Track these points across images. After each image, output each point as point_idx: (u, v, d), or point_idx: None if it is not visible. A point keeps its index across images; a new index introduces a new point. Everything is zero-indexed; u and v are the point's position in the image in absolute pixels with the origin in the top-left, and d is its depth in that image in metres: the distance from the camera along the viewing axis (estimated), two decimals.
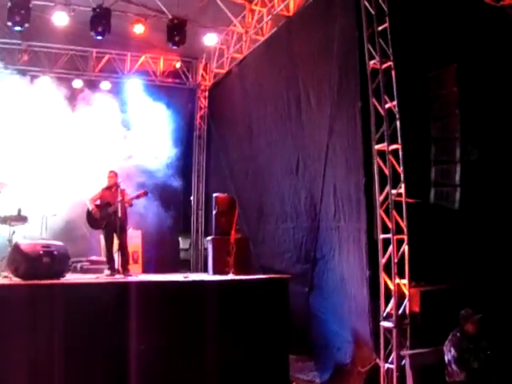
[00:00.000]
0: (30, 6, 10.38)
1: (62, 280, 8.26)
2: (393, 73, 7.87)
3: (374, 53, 7.98)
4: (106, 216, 9.70)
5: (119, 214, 9.64)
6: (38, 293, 7.42)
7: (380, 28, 7.92)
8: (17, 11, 10.25)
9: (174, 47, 11.75)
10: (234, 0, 11.85)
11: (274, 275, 9.21)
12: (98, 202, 9.99)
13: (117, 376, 7.44)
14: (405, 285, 7.63)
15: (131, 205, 10.02)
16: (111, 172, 10.20)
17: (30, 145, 13.15)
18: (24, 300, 7.25)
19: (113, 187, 9.98)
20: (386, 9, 7.90)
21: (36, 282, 7.68)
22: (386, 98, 7.83)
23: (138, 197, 10.02)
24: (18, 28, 10.61)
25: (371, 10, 7.98)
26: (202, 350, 7.95)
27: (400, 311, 7.62)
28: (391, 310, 7.66)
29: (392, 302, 7.67)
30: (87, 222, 10.18)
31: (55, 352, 7.10)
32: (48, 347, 7.11)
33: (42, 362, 7.08)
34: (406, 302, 7.66)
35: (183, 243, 15.19)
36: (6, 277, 8.32)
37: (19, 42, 13.36)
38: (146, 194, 10.08)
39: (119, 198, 9.61)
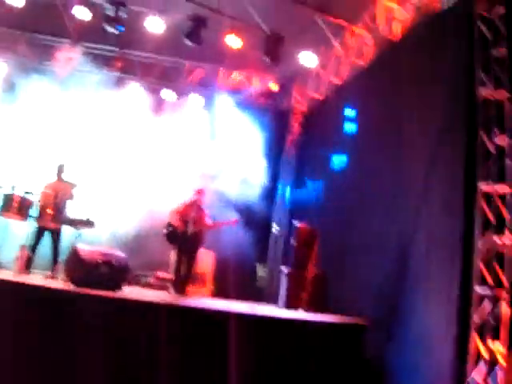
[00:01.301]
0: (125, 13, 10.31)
1: (117, 293, 7.85)
2: (507, 105, 6.93)
3: (487, 81, 7.08)
4: (188, 234, 9.40)
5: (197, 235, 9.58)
6: (86, 302, 6.93)
7: (496, 53, 7.02)
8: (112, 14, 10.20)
9: (269, 62, 11.20)
10: (335, 21, 11.17)
11: (348, 320, 8.30)
12: (178, 217, 9.67)
13: None
14: (501, 353, 6.51)
15: (217, 229, 10.00)
16: (199, 190, 9.97)
17: (111, 150, 12.98)
18: (71, 307, 6.81)
19: (197, 206, 9.75)
20: (503, 32, 7.01)
21: (88, 290, 7.28)
22: (496, 131, 6.91)
23: (227, 224, 9.79)
24: (111, 29, 10.41)
25: (487, 34, 7.13)
26: None
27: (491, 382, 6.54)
28: (483, 379, 6.57)
29: (482, 368, 6.61)
30: (165, 235, 9.84)
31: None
32: (91, 359, 6.58)
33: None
34: (498, 371, 6.55)
35: (261, 271, 14.48)
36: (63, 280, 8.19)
37: (115, 48, 13.32)
38: (236, 222, 9.74)
39: (193, 215, 9.40)
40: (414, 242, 8.21)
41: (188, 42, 10.52)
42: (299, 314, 8.68)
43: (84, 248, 8.12)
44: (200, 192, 9.96)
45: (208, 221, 9.83)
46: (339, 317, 8.55)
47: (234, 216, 11.83)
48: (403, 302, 8.28)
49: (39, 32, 12.85)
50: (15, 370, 6.39)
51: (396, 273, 8.60)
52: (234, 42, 11.23)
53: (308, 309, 9.01)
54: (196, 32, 10.35)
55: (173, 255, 11.54)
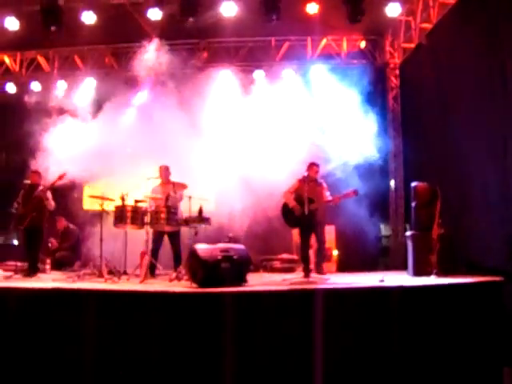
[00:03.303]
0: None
1: (244, 287, 7.77)
2: None
3: None
4: (307, 212, 8.93)
5: (318, 211, 9.20)
6: (215, 302, 6.94)
7: None
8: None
9: (354, 23, 10.77)
10: None
11: (483, 278, 7.82)
12: (293, 196, 9.35)
13: None
14: None
15: (336, 203, 9.35)
16: (314, 165, 9.58)
17: (215, 140, 12.99)
18: (200, 309, 6.85)
19: (313, 181, 9.40)
20: None
21: (214, 289, 7.23)
22: None
23: (346, 196, 9.24)
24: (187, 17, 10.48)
25: None
26: (397, 366, 6.86)
27: None
28: None
29: None
30: (283, 216, 9.60)
31: (232, 367, 6.57)
32: (225, 359, 6.61)
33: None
34: None
35: (385, 230, 14.23)
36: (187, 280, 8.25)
37: (197, 40, 13.41)
38: (355, 193, 9.17)
39: (310, 191, 9.01)
40: None
41: (267, 19, 10.24)
42: (432, 280, 8.25)
43: (202, 247, 8.07)
44: (313, 166, 9.59)
45: (327, 195, 9.42)
46: (472, 277, 8.05)
47: (351, 184, 11.54)
48: None
49: (121, 41, 13.13)
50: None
51: None
52: (314, 8, 10.86)
53: (438, 272, 8.54)
54: (273, 7, 10.03)
55: (295, 235, 11.43)
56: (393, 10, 11.49)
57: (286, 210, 9.48)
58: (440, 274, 8.55)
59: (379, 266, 12.52)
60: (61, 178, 10.01)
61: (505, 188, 8.56)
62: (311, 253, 9.65)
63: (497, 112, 8.83)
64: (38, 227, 10.16)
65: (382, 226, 14.24)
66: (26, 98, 13.57)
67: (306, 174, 9.37)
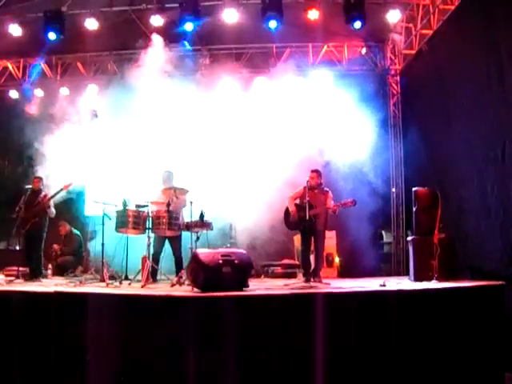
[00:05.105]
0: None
1: (245, 291, 7.73)
2: None
3: None
4: (308, 217, 9.04)
5: (321, 218, 9.34)
6: (216, 305, 6.93)
7: None
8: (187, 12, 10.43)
9: (355, 29, 10.86)
10: None
11: (484, 282, 7.83)
12: (297, 202, 9.54)
13: None
14: None
15: (335, 212, 9.40)
16: (314, 172, 9.68)
17: (216, 148, 13.00)
18: (201, 313, 6.83)
19: (316, 188, 9.53)
20: None
21: (215, 293, 7.18)
22: None
23: (344, 205, 9.30)
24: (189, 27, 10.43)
25: None
26: (398, 370, 6.87)
27: None
28: None
29: None
30: (284, 221, 9.83)
31: (234, 371, 6.56)
32: (226, 363, 6.60)
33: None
34: None
35: (387, 237, 14.14)
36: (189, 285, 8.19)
37: (199, 47, 13.52)
38: (354, 203, 9.26)
39: (313, 198, 9.26)
40: None
41: (268, 25, 10.32)
42: (433, 285, 8.26)
43: (204, 251, 8.05)
44: (315, 174, 9.65)
45: (330, 202, 9.52)
46: (474, 281, 8.09)
47: (353, 190, 11.56)
48: None
49: (123, 48, 13.21)
50: None
51: None
52: (314, 15, 10.94)
53: (439, 277, 8.54)
54: (272, 15, 10.11)
55: (296, 241, 11.48)
56: (393, 16, 11.56)
57: (286, 214, 9.70)
58: (441, 278, 8.54)
59: (381, 273, 12.50)
60: (66, 187, 10.12)
61: (504, 192, 8.60)
62: (312, 258, 9.72)
63: (496, 117, 8.88)
64: (39, 232, 10.35)
65: (384, 233, 14.17)
66: (29, 105, 13.66)
67: (309, 180, 9.49)
